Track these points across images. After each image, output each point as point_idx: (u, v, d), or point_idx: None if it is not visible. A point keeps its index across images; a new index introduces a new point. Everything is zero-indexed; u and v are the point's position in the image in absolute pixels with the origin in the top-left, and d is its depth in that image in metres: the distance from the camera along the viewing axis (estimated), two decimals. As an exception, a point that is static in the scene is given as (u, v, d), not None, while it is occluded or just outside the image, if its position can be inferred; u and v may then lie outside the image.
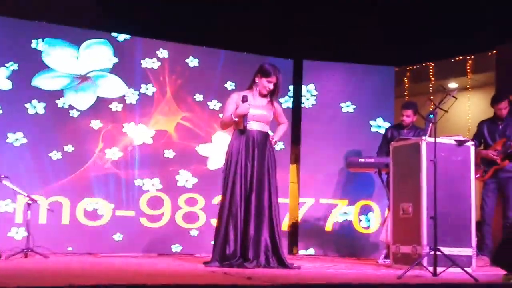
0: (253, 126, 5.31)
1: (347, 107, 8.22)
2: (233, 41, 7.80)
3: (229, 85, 7.75)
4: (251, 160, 5.25)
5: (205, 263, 5.22)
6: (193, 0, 7.88)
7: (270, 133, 5.49)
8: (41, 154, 6.88)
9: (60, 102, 7.04)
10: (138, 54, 7.45)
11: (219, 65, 7.81)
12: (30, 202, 5.83)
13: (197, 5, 7.85)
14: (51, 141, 6.94)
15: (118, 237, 7.10)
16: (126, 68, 7.38)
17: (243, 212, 5.18)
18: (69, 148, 6.99)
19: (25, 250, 5.65)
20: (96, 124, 7.15)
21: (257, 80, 5.41)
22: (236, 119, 5.28)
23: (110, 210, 7.12)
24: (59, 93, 7.05)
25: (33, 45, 6.96)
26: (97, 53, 7.26)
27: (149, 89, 7.44)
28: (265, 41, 7.99)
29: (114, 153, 7.20)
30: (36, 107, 6.92)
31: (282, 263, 5.10)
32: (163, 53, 7.55)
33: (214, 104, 7.69)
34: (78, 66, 7.16)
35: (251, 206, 5.17)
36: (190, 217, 7.45)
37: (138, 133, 7.35)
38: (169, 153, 7.45)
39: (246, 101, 5.26)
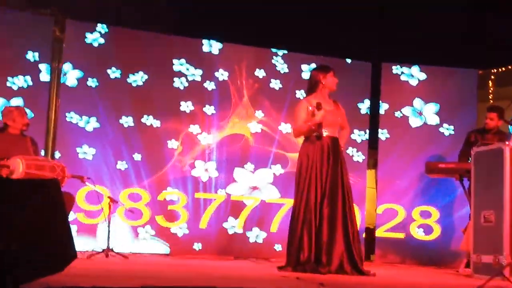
0: (325, 132, 5.26)
1: (428, 110, 8.02)
2: (308, 43, 7.74)
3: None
4: (326, 166, 5.18)
5: (279, 267, 5.20)
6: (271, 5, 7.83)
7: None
8: (123, 156, 7.07)
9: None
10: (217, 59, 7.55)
11: (297, 68, 7.79)
12: (111, 203, 6.01)
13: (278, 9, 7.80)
14: (133, 143, 7.12)
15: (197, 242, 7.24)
16: (205, 72, 7.48)
17: (317, 219, 5.12)
18: (148, 151, 7.15)
19: (106, 250, 5.83)
20: (175, 126, 7.29)
21: (322, 80, 5.34)
22: (313, 127, 5.21)
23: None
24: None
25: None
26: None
27: (226, 92, 7.51)
28: (342, 44, 7.88)
29: (192, 156, 7.32)
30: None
31: (357, 270, 5.00)
32: (242, 56, 7.61)
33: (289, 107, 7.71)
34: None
35: (325, 212, 5.10)
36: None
37: (216, 135, 7.44)
38: (244, 157, 7.50)
39: (321, 108, 5.19)
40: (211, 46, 7.54)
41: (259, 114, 7.63)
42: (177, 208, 7.20)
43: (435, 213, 7.76)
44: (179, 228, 7.17)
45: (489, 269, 5.14)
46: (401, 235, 7.75)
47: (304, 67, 7.81)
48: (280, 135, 7.68)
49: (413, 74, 8.10)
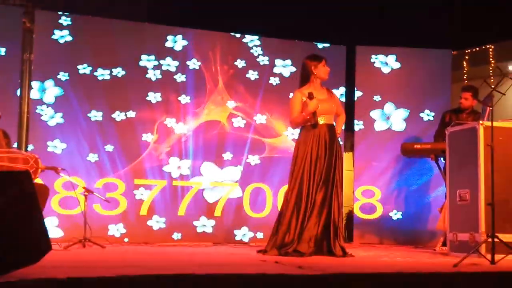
0: (321, 120, 5.35)
1: (403, 89, 8.07)
2: (283, 28, 7.72)
3: (280, 72, 7.74)
4: (323, 153, 5.28)
5: (261, 251, 5.31)
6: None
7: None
8: (98, 146, 7.00)
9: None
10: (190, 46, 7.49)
11: (271, 53, 7.76)
12: (86, 193, 5.97)
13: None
14: (107, 134, 7.06)
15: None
16: (179, 59, 7.41)
17: (309, 205, 5.22)
18: (123, 141, 7.10)
19: (83, 240, 5.79)
20: (150, 116, 7.23)
21: (314, 70, 5.42)
22: (308, 117, 5.31)
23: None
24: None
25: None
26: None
27: (201, 79, 7.47)
28: (315, 27, 7.87)
29: (168, 144, 7.27)
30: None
31: (331, 252, 5.10)
32: (215, 42, 7.56)
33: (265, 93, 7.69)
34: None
35: (317, 199, 5.21)
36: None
37: (192, 123, 7.40)
38: (222, 143, 7.48)
39: (313, 97, 5.28)
40: (184, 34, 7.48)
41: (235, 100, 7.60)
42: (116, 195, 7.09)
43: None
44: (157, 221, 7.14)
45: (465, 247, 5.21)
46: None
47: (278, 52, 7.79)
48: (257, 120, 7.65)
49: (388, 58, 8.11)
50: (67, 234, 6.46)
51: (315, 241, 5.11)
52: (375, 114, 8.03)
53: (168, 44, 7.40)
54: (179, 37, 7.44)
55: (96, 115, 7.02)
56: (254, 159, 7.57)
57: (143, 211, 7.10)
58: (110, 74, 7.11)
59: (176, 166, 7.28)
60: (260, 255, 5.15)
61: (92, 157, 6.97)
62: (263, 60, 7.73)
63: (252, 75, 7.67)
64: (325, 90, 5.53)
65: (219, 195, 7.40)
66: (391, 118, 8.03)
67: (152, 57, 7.29)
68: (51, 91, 6.92)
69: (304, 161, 5.29)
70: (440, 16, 8.16)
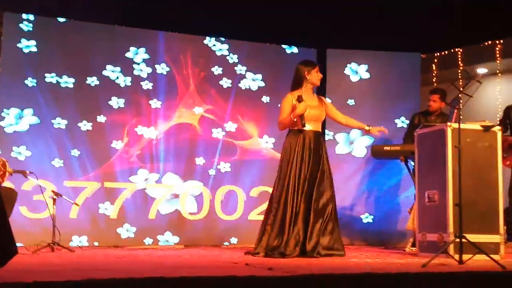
0: (308, 126, 5.45)
1: (372, 93, 8.12)
2: (254, 31, 7.72)
3: (251, 76, 7.74)
4: (307, 159, 5.40)
5: (249, 253, 5.49)
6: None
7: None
8: (67, 151, 6.91)
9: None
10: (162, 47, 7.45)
11: (242, 56, 7.77)
12: (55, 196, 5.90)
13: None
14: (75, 138, 6.98)
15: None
16: (150, 62, 7.37)
17: (294, 209, 5.34)
18: (95, 142, 7.03)
19: (51, 244, 5.72)
20: (121, 117, 7.18)
21: (307, 76, 5.53)
22: (295, 120, 5.41)
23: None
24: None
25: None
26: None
27: (172, 81, 7.44)
28: (285, 30, 7.88)
29: (139, 147, 7.22)
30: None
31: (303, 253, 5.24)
32: (187, 45, 7.53)
33: (237, 96, 7.69)
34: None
35: (301, 204, 5.34)
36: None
37: (162, 126, 7.36)
38: (193, 146, 7.45)
39: (302, 100, 5.38)
40: (157, 36, 7.44)
41: (207, 103, 7.58)
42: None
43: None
44: (127, 229, 7.08)
45: (434, 247, 5.26)
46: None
47: (249, 55, 7.79)
48: (228, 123, 7.65)
49: (359, 63, 8.17)
50: (36, 238, 6.35)
51: (301, 245, 5.26)
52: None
53: (139, 47, 7.34)
54: (150, 40, 7.40)
55: (62, 122, 6.92)
56: (225, 167, 7.54)
57: (113, 214, 7.04)
58: (79, 79, 7.03)
59: (145, 175, 7.23)
60: (249, 256, 5.31)
61: (59, 162, 6.86)
62: (235, 63, 7.73)
63: (223, 78, 7.66)
64: (316, 97, 5.68)
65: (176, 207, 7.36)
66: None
67: (122, 60, 7.22)
68: (18, 96, 6.81)
69: (290, 165, 5.41)
70: (411, 20, 8.24)
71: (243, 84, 7.73)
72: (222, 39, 7.71)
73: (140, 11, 7.36)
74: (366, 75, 8.17)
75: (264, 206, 7.54)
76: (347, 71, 8.16)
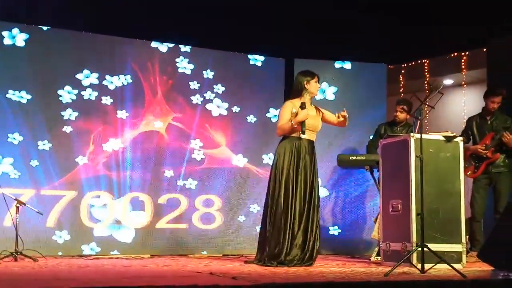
0: (305, 135, 5.57)
1: (339, 105, 8.17)
2: (221, 40, 7.74)
3: (219, 85, 7.76)
4: (301, 168, 5.53)
5: (248, 261, 5.69)
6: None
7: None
8: (32, 157, 6.83)
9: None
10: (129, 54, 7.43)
11: (208, 65, 7.78)
12: (18, 205, 5.82)
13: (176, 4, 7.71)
14: (43, 144, 6.91)
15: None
16: (117, 69, 7.34)
17: (289, 215, 5.46)
18: (60, 149, 6.96)
19: (14, 254, 5.64)
20: (87, 125, 7.12)
21: (306, 85, 5.66)
22: (295, 126, 5.52)
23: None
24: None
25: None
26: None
27: (139, 89, 7.41)
28: (254, 39, 7.91)
29: (105, 155, 7.17)
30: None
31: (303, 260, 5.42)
32: (154, 53, 7.53)
33: (205, 104, 7.69)
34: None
35: (296, 209, 5.47)
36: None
37: (129, 134, 7.32)
38: (161, 154, 7.43)
39: (305, 107, 5.51)
40: (124, 43, 7.41)
41: (174, 110, 7.57)
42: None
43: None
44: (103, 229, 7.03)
45: (397, 256, 5.33)
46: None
47: (216, 63, 7.80)
48: (196, 131, 7.64)
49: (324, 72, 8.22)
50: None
51: (301, 253, 5.39)
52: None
53: (105, 53, 7.30)
54: (118, 47, 7.37)
55: (27, 129, 6.85)
56: (191, 183, 7.53)
57: (84, 219, 6.97)
58: (44, 88, 6.96)
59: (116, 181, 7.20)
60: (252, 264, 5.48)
61: (24, 170, 6.77)
62: (202, 71, 7.73)
63: (191, 86, 7.65)
64: (314, 107, 5.79)
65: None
66: None
67: (90, 67, 7.18)
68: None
69: (286, 171, 5.52)
70: (377, 31, 8.34)
71: (210, 93, 7.73)
72: (189, 46, 7.71)
73: (107, 18, 7.30)
74: (332, 97, 8.20)
75: (232, 214, 7.64)
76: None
